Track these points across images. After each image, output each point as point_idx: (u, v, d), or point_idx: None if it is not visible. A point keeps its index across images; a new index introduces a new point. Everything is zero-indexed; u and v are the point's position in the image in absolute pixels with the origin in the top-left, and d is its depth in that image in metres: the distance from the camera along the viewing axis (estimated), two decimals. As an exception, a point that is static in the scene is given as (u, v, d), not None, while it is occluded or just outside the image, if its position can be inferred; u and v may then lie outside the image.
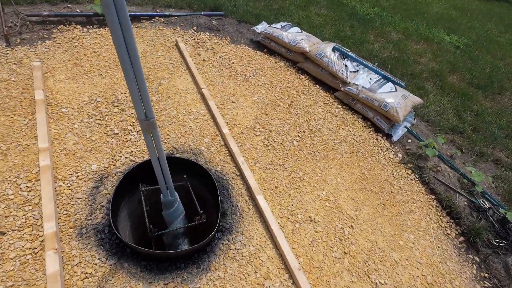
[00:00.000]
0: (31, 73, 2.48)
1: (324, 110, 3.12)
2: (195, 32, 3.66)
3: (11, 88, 2.35)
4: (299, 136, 2.73)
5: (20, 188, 1.80)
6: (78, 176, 1.96)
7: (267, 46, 3.80)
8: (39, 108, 2.18)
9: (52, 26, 3.05)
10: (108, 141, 2.21)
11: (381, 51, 4.49)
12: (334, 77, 3.31)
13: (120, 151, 2.17)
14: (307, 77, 3.54)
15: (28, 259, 1.54)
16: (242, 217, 2.02)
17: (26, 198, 1.77)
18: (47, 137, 2.04)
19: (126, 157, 2.14)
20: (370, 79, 3.16)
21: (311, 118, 2.97)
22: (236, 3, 4.54)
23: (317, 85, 3.45)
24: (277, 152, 2.53)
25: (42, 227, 1.64)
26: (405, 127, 3.05)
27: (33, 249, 1.58)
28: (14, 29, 2.82)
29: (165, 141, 2.34)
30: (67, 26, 3.11)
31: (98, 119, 2.33)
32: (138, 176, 1.97)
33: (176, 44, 3.38)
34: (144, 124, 1.23)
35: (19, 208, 1.72)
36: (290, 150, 2.58)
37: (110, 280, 1.57)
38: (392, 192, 2.50)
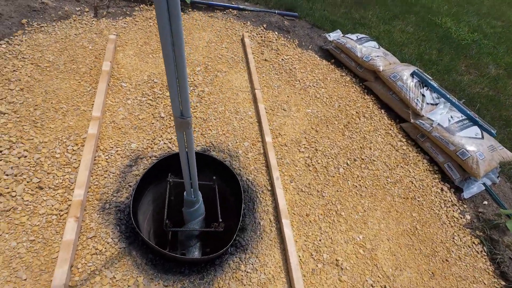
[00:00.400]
0: (107, 44, 2.66)
1: (384, 140, 2.73)
2: (264, 30, 3.55)
3: (86, 55, 2.54)
4: (347, 164, 2.42)
5: (67, 150, 1.92)
6: (117, 151, 2.01)
7: (336, 57, 3.50)
8: (103, 78, 2.31)
9: (135, 4, 3.25)
10: (152, 123, 2.23)
11: (472, 85, 3.79)
12: (406, 105, 2.87)
13: (161, 136, 2.18)
14: (372, 98, 3.15)
15: (53, 219, 1.61)
16: (261, 238, 1.84)
17: (69, 160, 1.87)
18: (101, 107, 2.14)
19: (164, 143, 2.14)
20: (451, 117, 2.65)
21: (367, 146, 2.62)
22: (313, 6, 4.30)
23: (382, 110, 3.04)
24: (318, 176, 2.27)
25: (73, 192, 1.71)
26: (483, 184, 2.48)
27: (59, 210, 1.65)
28: (104, 2, 3.08)
29: (205, 135, 2.28)
30: (148, 6, 3.28)
31: (150, 100, 2.38)
32: (172, 165, 1.93)
33: (242, 38, 3.31)
34: (178, 122, 1.13)
35: (60, 168, 1.82)
36: (334, 177, 2.30)
37: (115, 264, 1.55)
38: (447, 260, 2.04)
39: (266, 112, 2.62)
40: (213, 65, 2.90)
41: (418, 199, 2.34)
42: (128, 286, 1.49)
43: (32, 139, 1.91)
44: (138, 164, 1.98)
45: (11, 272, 1.41)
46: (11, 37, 2.44)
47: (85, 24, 2.82)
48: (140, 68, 2.61)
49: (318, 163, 2.36)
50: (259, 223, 1.90)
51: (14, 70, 2.24)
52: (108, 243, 1.61)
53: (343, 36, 3.53)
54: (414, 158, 2.66)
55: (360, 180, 2.33)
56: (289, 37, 3.62)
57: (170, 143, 2.16)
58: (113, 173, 1.90)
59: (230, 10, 3.71)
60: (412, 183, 2.44)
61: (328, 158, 2.41)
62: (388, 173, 2.46)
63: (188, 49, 2.97)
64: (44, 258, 1.48)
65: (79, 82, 2.33)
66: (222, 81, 2.78)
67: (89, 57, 2.53)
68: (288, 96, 2.86)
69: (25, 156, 1.82)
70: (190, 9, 3.47)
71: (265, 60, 3.19)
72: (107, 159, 1.95)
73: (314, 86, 3.05)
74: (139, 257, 1.60)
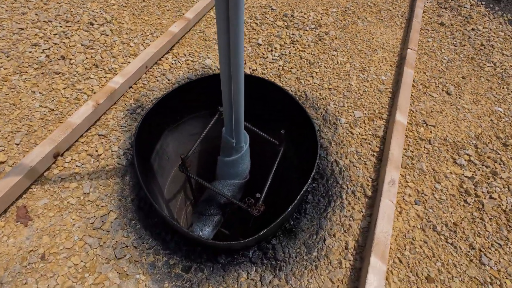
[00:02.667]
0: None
1: None
2: (455, -12, 2.33)
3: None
4: None
5: (143, 43, 1.63)
6: (187, 60, 1.57)
7: None
8: None
9: None
10: (244, 47, 1.67)
11: None
12: None
13: (245, 63, 1.59)
14: None
15: (82, 98, 1.31)
16: (315, 269, 0.95)
17: (138, 52, 1.57)
18: (198, 11, 1.75)
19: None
20: None
21: None
22: None
23: None
24: (480, 218, 1.09)
25: (112, 78, 1.37)
26: None
27: (94, 93, 1.34)
28: None
29: (302, 81, 1.53)
30: None
31: (255, 23, 1.83)
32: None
33: (414, -9, 2.26)
34: None
35: (126, 57, 1.54)
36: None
37: (100, 179, 1.08)
38: None
39: (413, 87, 1.57)
40: (356, 10, 2.05)
41: None
42: (96, 214, 0.99)
43: (123, 23, 1.72)
44: (200, 81, 1.47)
45: (13, 130, 1.18)
46: None
47: None
48: (263, -8, 2.09)
49: (490, 197, 1.15)
50: (323, 240, 1.01)
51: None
52: (113, 151, 1.17)
53: None
54: None
55: None
56: (498, 8, 2.24)
57: (248, 70, 1.54)
58: (169, 80, 1.46)
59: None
60: None
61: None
62: None
63: (331, -11, 2.23)
64: (46, 131, 1.18)
65: (195, -11, 2.04)
66: (361, 30, 1.89)
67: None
68: (463, 78, 1.67)
69: (107, 35, 1.64)
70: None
71: (441, 24, 2.03)
72: (172, 64, 1.54)
73: (523, 78, 1.68)
74: (128, 186, 1.08)
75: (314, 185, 1.15)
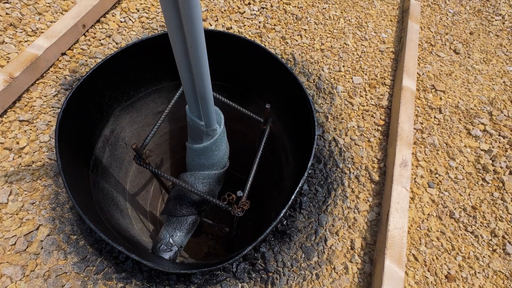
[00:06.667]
0: None
1: None
2: None
3: None
4: None
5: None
6: (141, 17, 1.21)
7: None
8: None
9: None
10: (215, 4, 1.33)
11: None
12: None
13: (216, 18, 1.26)
14: None
15: (-5, 72, 0.97)
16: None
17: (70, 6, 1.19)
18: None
19: (216, 28, 1.22)
20: None
21: None
22: None
23: None
24: (501, 196, 0.94)
25: (34, 41, 1.01)
26: None
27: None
28: None
29: (289, 41, 1.24)
30: None
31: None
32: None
33: None
34: None
35: (57, 13, 1.16)
36: None
37: (24, 180, 0.79)
38: None
39: (418, 45, 1.33)
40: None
41: None
42: (19, 232, 0.72)
43: (51, -31, 1.30)
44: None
45: None
46: None
47: None
48: None
49: (510, 172, 1.00)
50: (324, 240, 0.81)
51: None
52: (42, 142, 0.87)
53: None
54: None
55: None
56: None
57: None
58: (117, 43, 1.12)
59: None
60: None
61: (541, 175, 1.00)
62: None
63: None
64: None
65: None
66: (354, -22, 1.58)
67: None
68: (471, 33, 1.45)
69: (28, -15, 1.22)
70: None
71: (443, -29, 1.75)
72: (121, 22, 1.18)
73: (534, 33, 1.49)
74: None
75: (310, 171, 0.93)
